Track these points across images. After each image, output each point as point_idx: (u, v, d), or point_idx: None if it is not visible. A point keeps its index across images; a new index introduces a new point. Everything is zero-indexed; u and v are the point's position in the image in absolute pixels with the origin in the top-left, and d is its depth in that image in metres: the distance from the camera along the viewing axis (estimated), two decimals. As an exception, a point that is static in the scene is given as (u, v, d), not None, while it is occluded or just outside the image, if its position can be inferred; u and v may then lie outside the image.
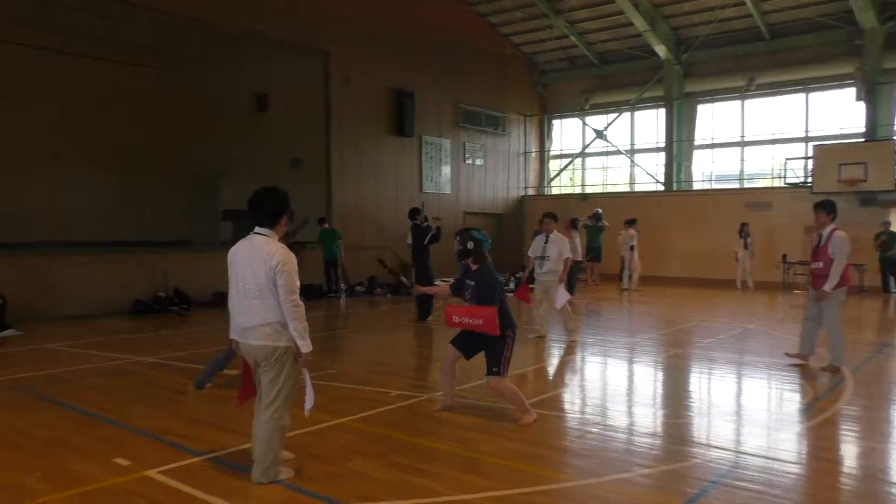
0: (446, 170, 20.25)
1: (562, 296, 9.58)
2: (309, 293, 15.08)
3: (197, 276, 13.73)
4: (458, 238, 6.00)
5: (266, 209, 4.44)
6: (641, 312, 14.08)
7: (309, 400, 4.61)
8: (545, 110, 23.94)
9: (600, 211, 17.70)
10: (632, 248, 17.36)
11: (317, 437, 5.32)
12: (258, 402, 4.53)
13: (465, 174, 20.94)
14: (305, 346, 4.38)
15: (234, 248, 4.51)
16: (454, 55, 20.23)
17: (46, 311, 11.64)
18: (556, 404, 6.40)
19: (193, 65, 19.91)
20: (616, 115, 22.27)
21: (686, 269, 19.24)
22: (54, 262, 12.19)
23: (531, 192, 23.46)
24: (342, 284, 15.38)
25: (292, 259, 4.39)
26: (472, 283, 5.86)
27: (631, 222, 17.62)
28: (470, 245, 5.89)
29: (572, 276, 15.33)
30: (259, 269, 4.32)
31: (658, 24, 20.03)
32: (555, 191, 23.92)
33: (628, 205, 20.41)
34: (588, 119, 23.20)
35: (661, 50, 20.57)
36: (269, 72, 18.37)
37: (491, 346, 5.68)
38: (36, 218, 16.49)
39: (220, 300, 13.45)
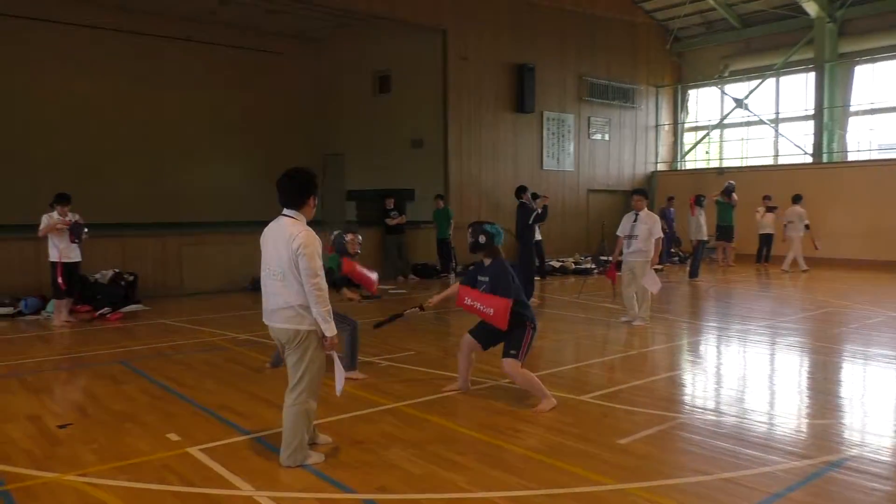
0: (568, 146, 19.61)
1: (652, 280, 9.06)
2: (422, 272, 15.22)
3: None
4: (469, 230, 5.78)
5: (292, 190, 4.40)
6: (771, 296, 12.96)
7: (339, 381, 4.56)
8: (680, 80, 22.52)
9: (732, 184, 16.43)
10: (807, 226, 15.68)
11: (364, 422, 5.28)
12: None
13: (588, 150, 20.19)
14: (329, 329, 4.33)
15: (265, 230, 4.50)
16: (579, 26, 19.46)
17: (175, 287, 12.48)
18: (631, 397, 5.96)
19: (319, 48, 20.62)
20: (759, 81, 20.54)
21: (841, 250, 17.38)
22: (187, 240, 12.96)
23: (662, 167, 22.24)
24: (453, 264, 15.35)
25: (315, 242, 4.33)
26: (486, 279, 5.64)
27: (797, 199, 15.92)
28: (482, 239, 5.66)
29: (695, 259, 14.45)
30: (283, 251, 4.29)
31: (806, -21, 18.19)
32: (688, 165, 22.53)
33: (770, 179, 18.82)
34: (727, 87, 21.56)
35: (811, 7, 18.66)
36: (391, 53, 18.61)
37: (514, 334, 5.55)
38: (170, 199, 17.82)
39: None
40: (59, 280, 9.14)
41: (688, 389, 6.46)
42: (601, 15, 19.95)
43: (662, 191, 20.88)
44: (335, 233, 6.93)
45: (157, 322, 9.81)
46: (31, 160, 16.16)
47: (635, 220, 9.32)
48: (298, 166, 4.54)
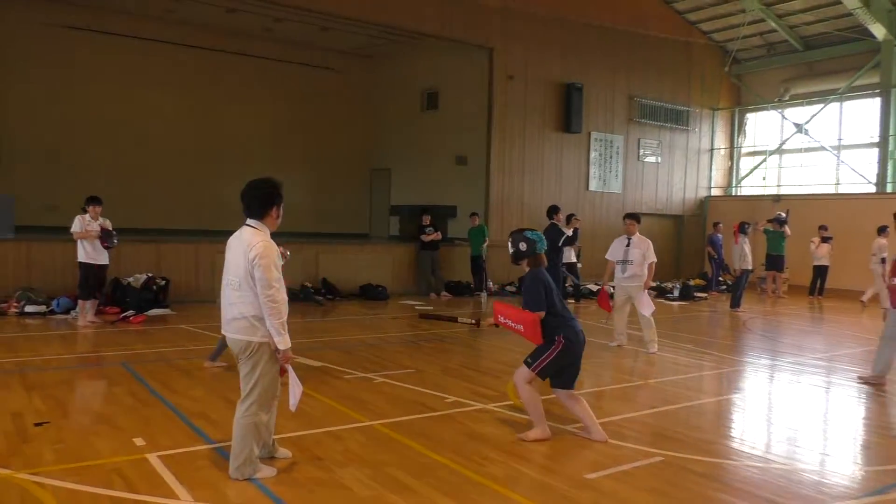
0: (616, 167, 19.23)
1: (646, 303, 8.94)
2: (455, 289, 15.11)
3: (347, 267, 14.26)
4: (510, 240, 5.51)
5: (255, 201, 4.41)
6: (812, 330, 12.30)
7: (294, 396, 4.47)
8: (738, 103, 21.85)
9: (783, 214, 15.74)
10: (882, 260, 14.78)
11: (332, 438, 5.20)
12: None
13: (637, 172, 19.75)
14: (282, 342, 4.27)
15: (230, 240, 4.51)
16: (631, 46, 19.13)
17: (206, 293, 12.70)
18: (618, 430, 5.69)
19: (370, 65, 20.88)
20: (821, 106, 19.72)
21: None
22: (220, 248, 13.21)
23: (716, 192, 21.55)
24: (488, 283, 15.19)
25: (272, 252, 4.31)
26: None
27: (883, 230, 14.82)
28: (523, 246, 5.38)
29: (738, 288, 13.87)
30: (241, 260, 4.29)
31: (873, 0, 17.39)
32: (744, 191, 21.76)
33: (829, 208, 17.98)
34: (787, 112, 20.78)
35: (877, 30, 17.85)
36: (439, 70, 18.71)
37: (539, 346, 5.35)
38: (217, 208, 18.12)
39: (365, 293, 13.91)
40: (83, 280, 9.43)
41: (682, 426, 6.13)
42: (655, 35, 19.56)
43: (714, 217, 20.20)
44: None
45: (179, 327, 9.99)
46: (92, 166, 16.81)
47: (628, 245, 9.16)
48: (262, 178, 4.52)
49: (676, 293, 16.23)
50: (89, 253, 9.59)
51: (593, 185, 18.84)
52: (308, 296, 12.92)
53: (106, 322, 9.97)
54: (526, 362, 5.36)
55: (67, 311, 10.46)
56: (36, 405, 5.76)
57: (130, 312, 10.23)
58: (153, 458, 4.61)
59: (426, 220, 14.96)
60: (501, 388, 6.86)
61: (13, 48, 15.63)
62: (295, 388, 4.47)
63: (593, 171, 18.82)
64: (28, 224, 13.50)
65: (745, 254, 13.86)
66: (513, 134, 17.27)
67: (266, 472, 4.41)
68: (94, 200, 9.71)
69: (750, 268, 13.99)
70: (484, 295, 14.51)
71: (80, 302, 9.75)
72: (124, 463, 4.52)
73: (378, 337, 9.70)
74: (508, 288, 15.84)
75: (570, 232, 11.19)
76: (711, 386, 7.69)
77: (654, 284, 17.11)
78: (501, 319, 5.55)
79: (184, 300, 12.09)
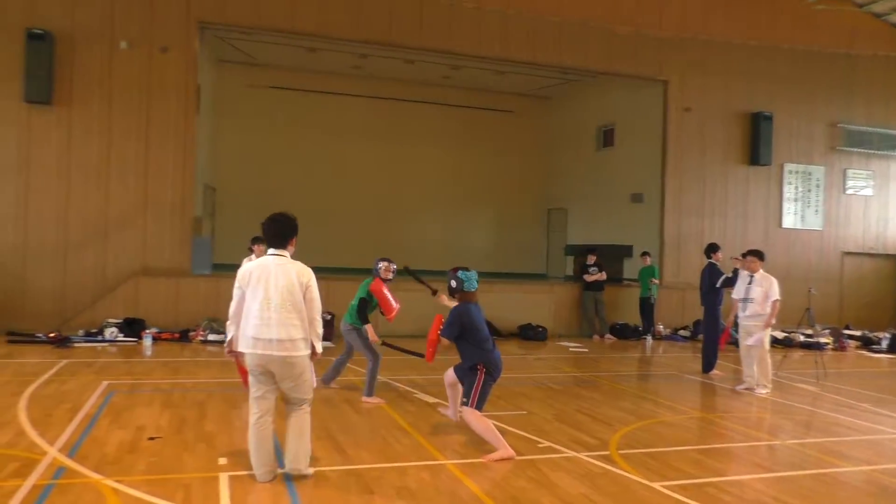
0: (817, 201, 17.37)
1: (759, 340, 8.74)
2: (620, 332, 14.47)
3: (507, 306, 14.25)
4: (448, 275, 6.36)
5: (278, 233, 5.04)
6: None
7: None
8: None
9: None
10: None
11: (397, 473, 5.22)
12: (254, 408, 4.95)
13: (842, 206, 17.66)
14: (319, 346, 5.04)
15: (249, 270, 4.98)
16: (832, 67, 17.36)
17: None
18: (713, 495, 5.09)
19: (545, 105, 20.99)
20: None
21: None
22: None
23: (948, 228, 18.61)
24: (657, 325, 14.37)
25: (313, 275, 5.04)
26: None
27: None
28: (453, 284, 6.27)
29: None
30: (292, 286, 4.85)
31: None
32: None
33: None
34: None
35: None
36: (615, 107, 18.40)
37: (467, 380, 6.04)
38: (399, 248, 18.95)
39: (523, 333, 13.79)
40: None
41: (797, 497, 5.33)
42: (861, 53, 17.57)
43: (943, 256, 17.44)
44: (376, 260, 8.08)
45: (327, 359, 10.56)
46: (290, 210, 18.59)
47: (750, 283, 9.04)
48: (281, 211, 5.13)
49: (884, 344, 14.18)
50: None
51: (788, 222, 17.17)
52: (463, 333, 13.09)
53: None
54: (463, 402, 5.97)
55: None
56: (161, 421, 6.43)
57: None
58: (224, 478, 4.96)
59: (591, 259, 14.57)
60: (606, 437, 6.47)
61: (224, 107, 17.83)
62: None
63: (787, 206, 17.18)
64: (230, 262, 15.18)
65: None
66: (690, 169, 16.35)
67: (309, 471, 5.04)
68: (258, 240, 10.68)
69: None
70: (648, 339, 13.77)
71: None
72: (196, 479, 4.91)
73: (511, 377, 9.54)
74: (682, 332, 14.85)
75: (731, 273, 10.23)
76: (865, 453, 6.59)
77: (856, 333, 15.20)
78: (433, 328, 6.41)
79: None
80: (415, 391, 8.29)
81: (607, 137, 18.91)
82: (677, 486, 5.19)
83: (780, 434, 7.03)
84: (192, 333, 11.87)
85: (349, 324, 7.90)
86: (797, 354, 13.17)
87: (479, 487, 4.99)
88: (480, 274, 16.36)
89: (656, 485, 5.18)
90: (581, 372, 10.23)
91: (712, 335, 10.40)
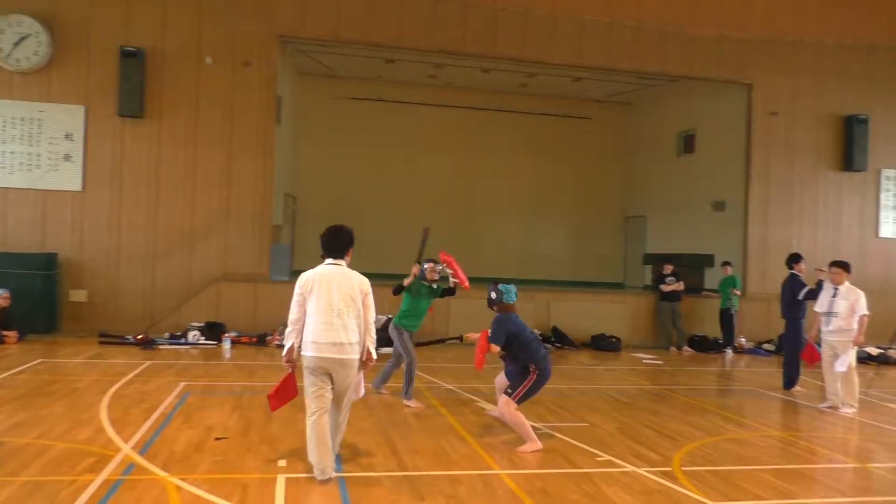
0: (920, 209, 16.33)
1: (844, 359, 8.36)
2: (699, 345, 14.01)
3: (579, 316, 14.05)
4: (489, 287, 6.69)
5: (338, 244, 5.36)
6: None
7: (361, 389, 5.79)
8: None
9: None
10: None
11: (450, 481, 5.23)
12: (313, 405, 5.20)
13: (949, 214, 16.52)
14: (374, 352, 5.36)
15: (310, 277, 5.27)
16: (938, 66, 16.31)
17: (432, 335, 13.37)
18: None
19: (624, 111, 20.60)
20: None
21: None
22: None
23: None
24: (738, 338, 13.83)
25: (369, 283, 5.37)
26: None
27: None
28: (493, 295, 6.60)
29: None
30: (353, 294, 5.19)
31: None
32: None
33: None
34: None
35: None
36: (696, 111, 17.92)
37: (517, 377, 6.39)
38: (474, 258, 18.95)
39: (596, 343, 13.56)
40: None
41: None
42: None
43: None
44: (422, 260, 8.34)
45: (379, 364, 10.65)
46: (368, 218, 18.89)
47: (834, 296, 8.63)
48: (338, 224, 5.40)
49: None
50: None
51: (886, 231, 16.21)
52: (534, 343, 13.00)
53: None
54: (507, 392, 6.33)
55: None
56: (230, 422, 6.67)
57: (359, 349, 11.25)
58: (281, 480, 5.09)
59: (667, 268, 14.18)
60: (669, 453, 6.28)
61: (306, 119, 18.38)
62: (361, 383, 5.78)
63: (885, 214, 16.22)
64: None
65: None
66: (777, 175, 15.68)
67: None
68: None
69: None
70: (729, 352, 13.27)
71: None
72: (255, 480, 5.07)
73: (577, 388, 9.42)
74: (766, 346, 14.21)
75: (814, 285, 9.74)
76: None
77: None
78: (472, 337, 6.91)
79: (418, 341, 12.85)
80: (477, 400, 8.27)
81: (688, 143, 18.39)
82: (740, 508, 4.99)
83: (865, 457, 6.64)
84: (268, 338, 12.25)
85: (394, 325, 8.10)
86: (892, 373, 12.39)
87: (531, 499, 4.93)
88: (557, 283, 16.33)
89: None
90: (652, 384, 9.96)
91: (793, 350, 9.92)
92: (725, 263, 14.49)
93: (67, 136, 12.83)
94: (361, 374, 5.65)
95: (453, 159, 19.78)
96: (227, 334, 11.75)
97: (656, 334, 14.30)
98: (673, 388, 9.74)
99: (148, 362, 9.82)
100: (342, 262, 5.34)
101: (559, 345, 13.37)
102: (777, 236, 15.55)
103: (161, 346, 11.29)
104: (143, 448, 5.70)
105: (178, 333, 12.06)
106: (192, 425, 6.49)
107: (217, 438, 6.08)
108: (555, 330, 13.66)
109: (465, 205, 19.78)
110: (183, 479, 4.99)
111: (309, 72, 18.19)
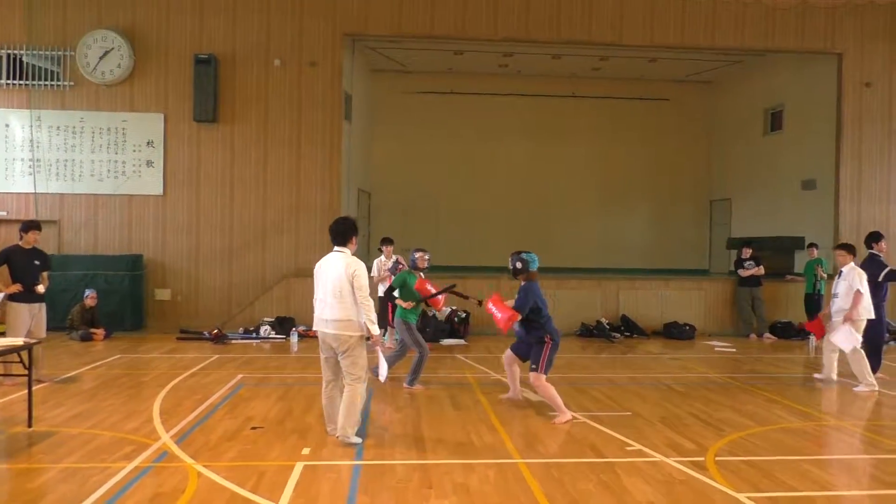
0: None
1: (843, 337, 8.41)
2: (781, 331, 13.27)
3: (650, 304, 13.61)
4: (510, 259, 6.87)
5: (339, 233, 5.87)
6: None
7: (382, 370, 6.25)
8: None
9: None
10: None
11: (464, 469, 5.20)
12: (324, 375, 6.02)
13: None
14: (374, 329, 5.72)
15: (319, 263, 5.94)
16: None
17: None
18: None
19: (706, 90, 19.72)
20: None
21: None
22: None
23: None
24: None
25: (363, 267, 5.79)
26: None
27: None
28: (518, 265, 6.78)
29: None
30: (342, 276, 5.67)
31: None
32: None
33: None
34: None
35: None
36: (783, 87, 17.01)
37: (534, 350, 6.70)
38: (548, 248, 18.70)
39: (668, 331, 13.10)
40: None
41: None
42: None
43: None
44: (412, 251, 8.65)
45: (447, 356, 10.69)
46: (440, 211, 19.09)
47: (838, 277, 8.82)
48: (344, 216, 6.11)
49: None
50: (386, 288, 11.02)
51: None
52: (602, 332, 12.70)
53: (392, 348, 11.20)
54: (532, 369, 6.65)
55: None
56: (270, 413, 6.89)
57: (417, 340, 11.36)
58: (299, 467, 5.23)
59: (746, 252, 13.50)
60: (708, 443, 6.01)
61: (378, 115, 18.68)
62: (383, 365, 6.25)
63: None
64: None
65: None
66: (872, 150, 14.62)
67: (355, 439, 5.77)
68: (386, 241, 11.13)
69: None
70: (812, 339, 12.47)
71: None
72: (274, 467, 5.23)
73: (633, 377, 9.13)
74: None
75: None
76: None
77: None
78: (490, 307, 6.93)
79: (483, 332, 12.87)
80: (524, 388, 8.15)
81: (775, 120, 17.41)
82: (766, 499, 4.73)
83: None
84: (337, 330, 12.55)
85: (398, 318, 8.17)
86: None
87: (542, 488, 4.85)
88: (639, 271, 16.17)
89: (742, 496, 4.74)
90: (717, 373, 9.50)
91: (876, 333, 9.22)
92: (811, 245, 13.67)
93: (149, 143, 13.60)
94: (381, 356, 6.21)
95: (527, 149, 19.57)
96: (295, 328, 12.14)
97: (735, 321, 13.65)
98: (738, 376, 9.28)
99: (216, 356, 10.29)
100: (345, 248, 5.85)
101: (628, 333, 13.00)
102: (871, 215, 14.50)
103: (233, 341, 11.78)
104: (181, 437, 5.98)
105: (251, 328, 12.55)
106: (234, 415, 6.76)
107: (253, 428, 6.30)
108: (623, 318, 13.29)
109: (540, 195, 19.53)
110: (207, 466, 5.21)
111: (381, 69, 18.47)
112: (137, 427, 6.31)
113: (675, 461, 5.47)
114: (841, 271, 8.83)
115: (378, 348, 6.22)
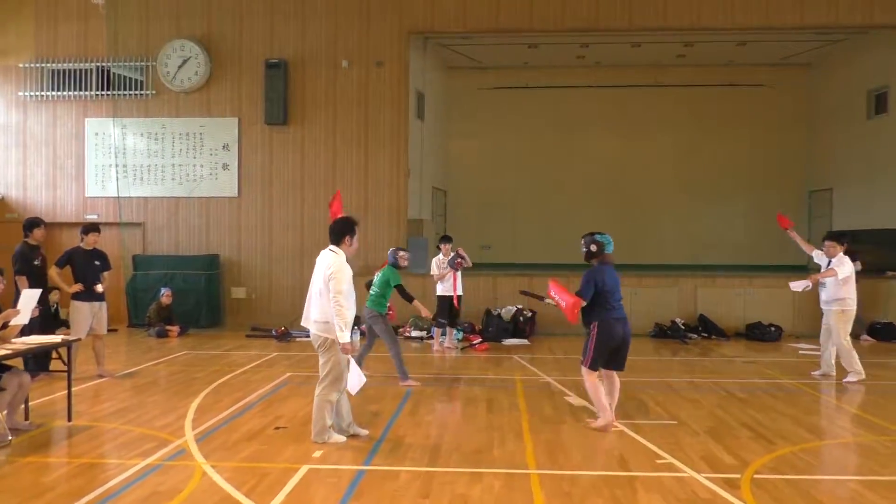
0: None
1: (836, 326, 8.37)
2: (883, 332, 12.17)
3: (731, 303, 12.78)
4: (583, 241, 6.47)
5: (334, 232, 5.81)
6: None
7: (353, 384, 5.89)
8: None
9: None
10: None
11: (471, 478, 4.96)
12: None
13: None
14: (342, 337, 5.47)
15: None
16: None
17: (568, 326, 12.83)
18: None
19: (802, 73, 18.37)
20: None
21: None
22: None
23: None
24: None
25: (343, 270, 5.56)
26: None
27: None
28: (593, 248, 6.37)
29: None
30: (321, 274, 5.63)
31: None
32: None
33: None
34: None
35: None
36: (886, 66, 15.46)
37: (585, 343, 6.30)
38: (635, 244, 17.88)
39: (751, 332, 12.27)
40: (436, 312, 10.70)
41: None
42: None
43: None
44: (392, 249, 8.86)
45: (506, 356, 10.41)
46: (518, 208, 18.73)
47: (827, 266, 8.69)
48: (345, 216, 6.01)
49: None
50: (445, 287, 10.86)
51: None
52: (676, 333, 12.03)
53: (458, 348, 11.02)
54: (581, 362, 6.32)
55: (430, 336, 11.81)
56: (300, 413, 6.85)
57: (478, 340, 11.13)
58: (302, 470, 5.14)
59: (839, 247, 12.39)
60: (752, 458, 5.48)
61: (454, 112, 18.50)
62: (355, 377, 5.90)
63: None
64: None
65: None
66: None
67: (336, 438, 5.73)
68: (444, 240, 10.98)
69: None
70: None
71: (435, 329, 11.03)
72: (281, 469, 5.17)
73: (692, 382, 8.55)
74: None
75: None
76: None
77: None
78: (552, 294, 6.48)
79: (551, 332, 12.46)
80: (568, 392, 7.79)
81: (880, 103, 15.90)
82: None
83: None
84: (400, 329, 12.49)
85: (373, 310, 8.20)
86: None
87: (546, 502, 4.53)
88: (732, 268, 15.54)
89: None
90: (791, 378, 8.74)
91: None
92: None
93: (225, 147, 14.06)
94: (353, 363, 5.89)
95: (608, 142, 18.89)
96: (357, 327, 12.17)
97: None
98: (811, 382, 8.50)
99: (274, 354, 10.46)
100: (337, 248, 5.74)
101: (705, 335, 12.24)
102: None
103: (297, 339, 11.95)
104: (204, 436, 6.04)
105: (318, 326, 12.69)
106: (264, 415, 6.79)
107: (276, 428, 6.29)
108: (701, 318, 12.53)
109: (623, 190, 18.76)
110: (214, 466, 5.21)
111: (455, 66, 18.27)
112: (168, 423, 6.44)
113: (705, 477, 5.01)
114: (830, 261, 8.65)
115: (351, 359, 5.87)
